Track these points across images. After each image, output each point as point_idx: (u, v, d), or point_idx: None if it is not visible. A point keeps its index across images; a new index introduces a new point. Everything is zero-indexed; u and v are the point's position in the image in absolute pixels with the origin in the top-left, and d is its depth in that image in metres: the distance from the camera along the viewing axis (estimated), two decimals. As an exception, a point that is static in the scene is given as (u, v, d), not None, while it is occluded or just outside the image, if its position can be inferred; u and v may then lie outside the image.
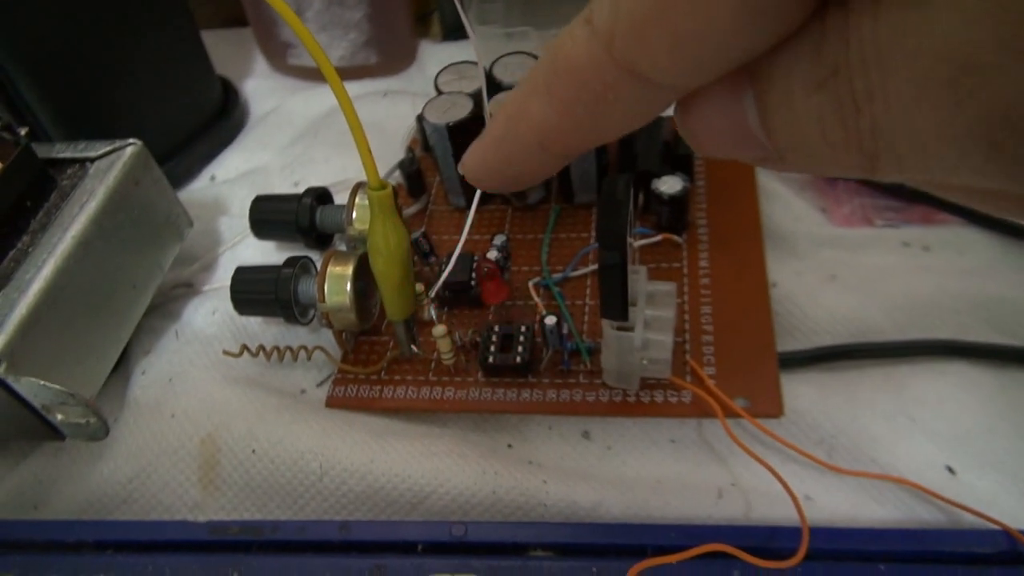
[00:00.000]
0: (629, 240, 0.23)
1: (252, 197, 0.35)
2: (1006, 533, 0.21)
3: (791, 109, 0.10)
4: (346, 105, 0.22)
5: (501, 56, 0.33)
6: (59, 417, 0.24)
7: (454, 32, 0.46)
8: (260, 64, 0.48)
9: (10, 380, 0.23)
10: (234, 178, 0.39)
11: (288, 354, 0.29)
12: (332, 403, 0.28)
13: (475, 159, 0.14)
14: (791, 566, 0.19)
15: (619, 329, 0.24)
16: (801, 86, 0.10)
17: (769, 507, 0.24)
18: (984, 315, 0.28)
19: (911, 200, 0.32)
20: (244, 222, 0.36)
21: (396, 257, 0.26)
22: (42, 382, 0.23)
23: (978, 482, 0.24)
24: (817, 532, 0.22)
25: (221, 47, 0.44)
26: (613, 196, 0.23)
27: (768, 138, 0.10)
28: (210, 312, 0.32)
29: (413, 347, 0.29)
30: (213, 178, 0.40)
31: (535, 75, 0.12)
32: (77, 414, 0.24)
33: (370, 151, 0.24)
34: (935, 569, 0.21)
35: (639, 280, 0.26)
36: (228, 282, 0.31)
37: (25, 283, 0.25)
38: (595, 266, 0.30)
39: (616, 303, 0.24)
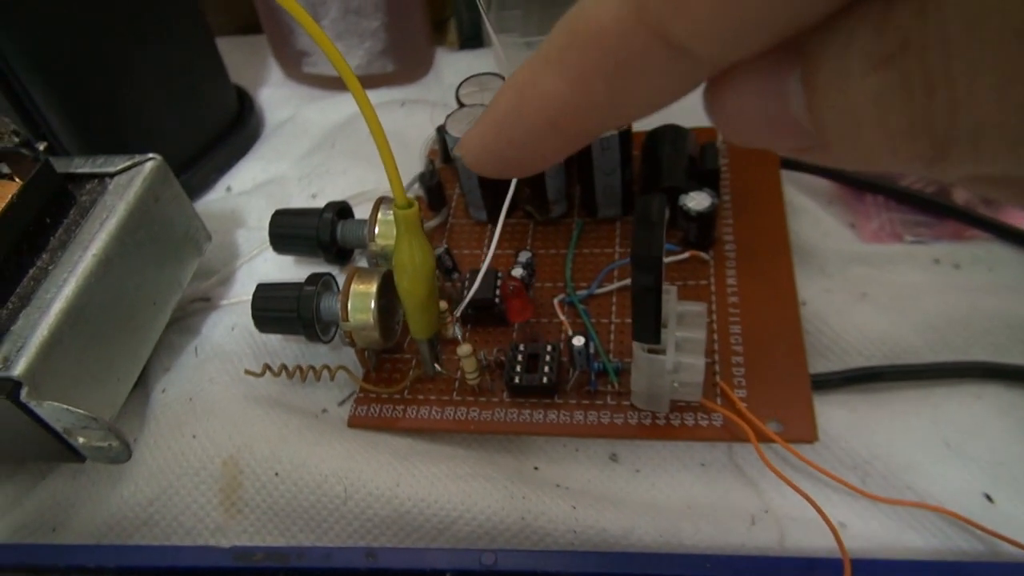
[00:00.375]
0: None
1: (269, 209, 0.35)
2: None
3: (844, 91, 0.09)
4: (373, 123, 0.22)
5: (523, 68, 0.33)
6: (80, 440, 0.24)
7: (471, 40, 0.45)
8: (275, 72, 0.47)
9: (32, 404, 0.22)
10: (250, 189, 0.39)
11: (311, 373, 0.28)
12: (355, 423, 0.28)
13: (476, 140, 0.12)
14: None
15: (650, 352, 0.24)
16: (860, 63, 0.08)
17: (804, 535, 0.24)
18: (1019, 335, 0.27)
19: (941, 215, 0.31)
20: (261, 234, 0.35)
21: (422, 275, 0.26)
22: (65, 406, 0.22)
23: (1016, 511, 0.23)
24: (858, 564, 0.21)
25: (235, 55, 0.44)
26: (648, 217, 0.22)
27: (813, 124, 0.09)
28: (229, 328, 0.31)
29: (436, 366, 0.28)
30: (229, 189, 0.40)
31: (549, 44, 0.11)
32: (99, 437, 0.24)
33: (396, 169, 0.24)
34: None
35: (669, 300, 0.25)
36: (246, 296, 0.31)
37: (46, 303, 0.24)
38: (620, 283, 0.30)
39: (649, 326, 0.23)
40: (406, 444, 0.27)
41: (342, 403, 0.29)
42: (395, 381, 0.29)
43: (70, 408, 0.22)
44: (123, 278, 0.27)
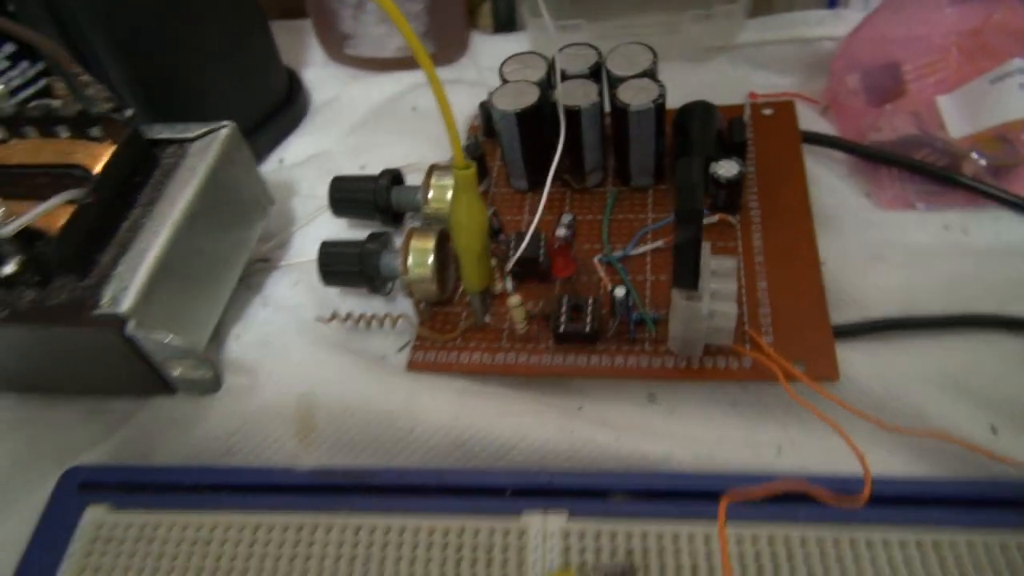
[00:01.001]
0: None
1: (320, 179, 0.37)
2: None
3: None
4: (439, 92, 0.25)
5: (564, 47, 0.35)
6: (176, 372, 0.27)
7: (507, 25, 0.48)
8: (318, 54, 0.50)
9: (139, 335, 0.25)
10: (302, 161, 0.42)
11: (374, 322, 0.31)
12: (413, 366, 0.30)
13: None
14: (858, 505, 0.21)
15: (689, 299, 0.27)
16: None
17: (826, 462, 0.26)
18: (1022, 292, 0.30)
19: (951, 186, 0.34)
20: (314, 202, 0.38)
21: (477, 231, 0.28)
22: (167, 337, 0.25)
23: (1018, 440, 0.26)
24: (880, 480, 0.24)
25: (280, 37, 0.47)
26: (690, 176, 0.25)
27: None
28: (292, 283, 0.34)
29: (487, 317, 0.31)
30: (281, 161, 0.42)
31: None
32: (192, 367, 0.26)
33: (457, 133, 0.26)
34: (987, 514, 0.23)
35: (704, 255, 0.28)
36: (304, 257, 0.34)
37: (143, 251, 0.27)
38: (653, 244, 0.33)
39: (689, 273, 0.26)
40: (461, 385, 0.30)
41: (400, 350, 0.32)
42: (449, 331, 0.31)
43: (173, 338, 0.25)
44: (204, 232, 0.30)
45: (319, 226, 0.38)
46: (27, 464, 0.29)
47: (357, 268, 0.31)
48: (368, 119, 0.44)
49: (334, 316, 0.31)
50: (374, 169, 0.36)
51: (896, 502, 0.23)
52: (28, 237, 0.26)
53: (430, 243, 0.30)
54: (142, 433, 0.29)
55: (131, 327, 0.25)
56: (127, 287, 0.26)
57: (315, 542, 0.24)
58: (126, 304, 0.25)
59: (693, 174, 0.25)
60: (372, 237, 0.32)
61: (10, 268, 0.25)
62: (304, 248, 0.36)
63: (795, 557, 0.22)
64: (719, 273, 0.28)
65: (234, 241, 0.32)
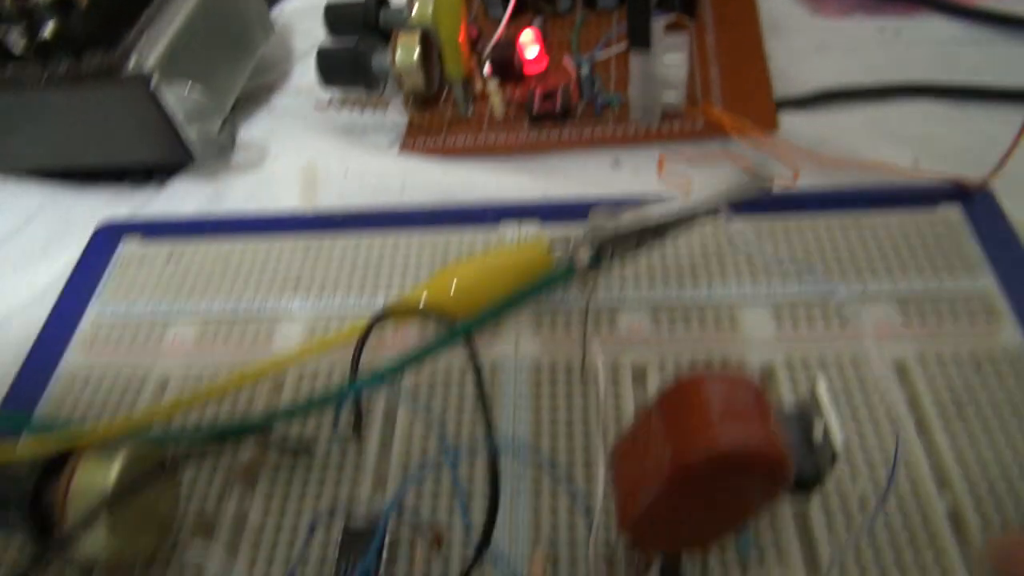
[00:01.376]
0: None
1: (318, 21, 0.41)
2: (957, 182, 0.27)
3: None
4: None
5: None
6: (194, 133, 0.30)
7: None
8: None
9: (163, 90, 0.29)
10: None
11: (369, 105, 0.35)
12: (405, 147, 0.34)
13: None
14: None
15: (644, 56, 0.30)
16: None
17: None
18: (947, 70, 0.34)
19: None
20: (309, 40, 0.42)
21: (455, 15, 0.32)
22: (188, 88, 0.29)
23: (937, 167, 0.29)
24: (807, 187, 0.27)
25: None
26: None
27: None
28: (295, 93, 0.38)
29: (469, 108, 0.35)
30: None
31: None
32: (211, 126, 0.30)
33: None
34: (901, 202, 0.26)
35: (658, 30, 0.31)
36: (305, 80, 0.37)
37: (166, 25, 0.31)
38: (618, 48, 0.36)
39: (642, 30, 0.29)
40: (447, 160, 0.33)
41: (393, 144, 0.35)
42: (436, 120, 0.35)
43: (192, 91, 0.29)
44: (218, 20, 0.34)
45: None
46: (62, 232, 0.33)
47: (352, 66, 0.35)
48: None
49: (331, 102, 0.34)
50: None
51: (824, 198, 0.27)
52: (61, 5, 0.29)
53: (415, 39, 0.34)
54: (164, 209, 0.33)
55: (155, 82, 0.29)
56: (151, 52, 0.30)
57: (320, 257, 0.28)
58: (150, 64, 0.29)
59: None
60: (363, 41, 0.35)
61: (48, 31, 0.29)
62: (305, 75, 0.40)
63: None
64: (671, 44, 0.32)
65: (246, 38, 0.36)
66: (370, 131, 0.36)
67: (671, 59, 0.31)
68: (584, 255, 0.20)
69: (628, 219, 0.20)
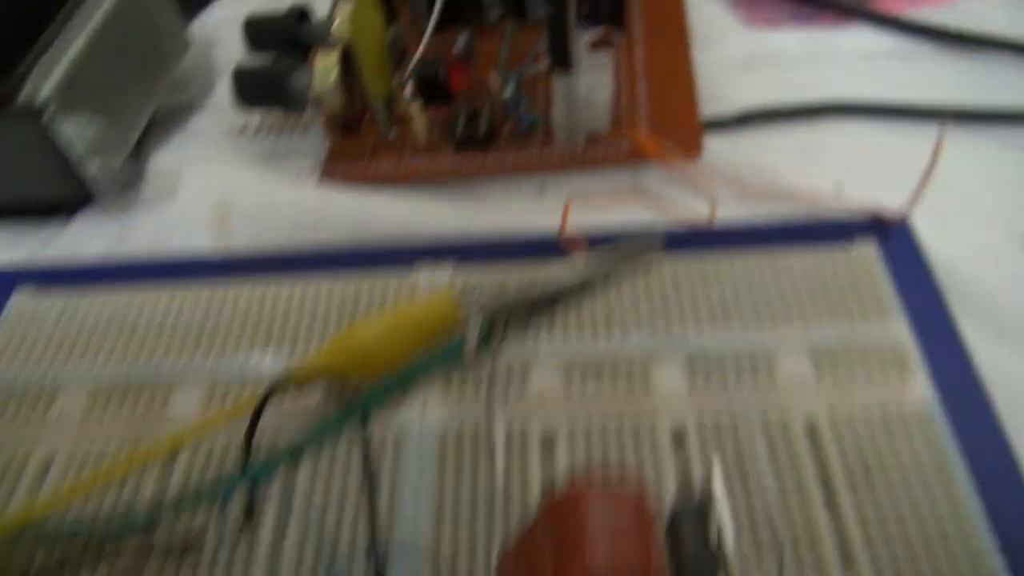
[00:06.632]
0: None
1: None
2: (874, 214, 0.27)
3: None
4: None
5: None
6: (94, 169, 0.29)
7: None
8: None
9: (57, 120, 0.27)
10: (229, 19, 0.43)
11: (286, 128, 0.33)
12: (326, 175, 0.33)
13: None
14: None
15: (566, 77, 0.29)
16: None
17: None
18: (877, 86, 0.33)
19: (820, 7, 0.37)
20: (234, 53, 0.40)
21: (376, 31, 0.31)
22: (85, 123, 0.27)
23: (862, 192, 0.29)
24: (724, 223, 0.27)
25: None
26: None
27: None
28: (213, 112, 0.36)
29: (392, 131, 0.34)
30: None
31: None
32: (114, 160, 0.28)
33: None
34: (817, 239, 0.26)
35: (581, 47, 0.30)
36: (225, 100, 0.35)
37: (62, 53, 0.29)
38: (542, 64, 0.35)
39: (563, 48, 0.28)
40: (369, 190, 0.32)
41: (313, 171, 0.34)
42: (358, 145, 0.34)
43: (90, 123, 0.27)
44: (122, 44, 0.32)
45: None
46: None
47: (269, 86, 0.33)
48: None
49: (246, 126, 0.33)
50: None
51: (740, 235, 0.27)
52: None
53: (333, 57, 0.33)
54: (66, 251, 0.31)
55: (49, 115, 0.27)
56: (47, 81, 0.28)
57: (224, 309, 0.26)
58: (44, 95, 0.27)
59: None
60: (281, 59, 0.34)
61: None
62: (227, 91, 0.38)
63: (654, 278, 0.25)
64: (596, 62, 0.31)
65: (155, 61, 0.34)
66: (291, 156, 0.34)
67: (595, 79, 0.30)
68: (473, 336, 0.20)
69: (520, 290, 0.20)
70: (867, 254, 0.25)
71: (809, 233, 0.27)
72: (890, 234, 0.26)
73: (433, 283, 0.26)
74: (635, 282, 0.25)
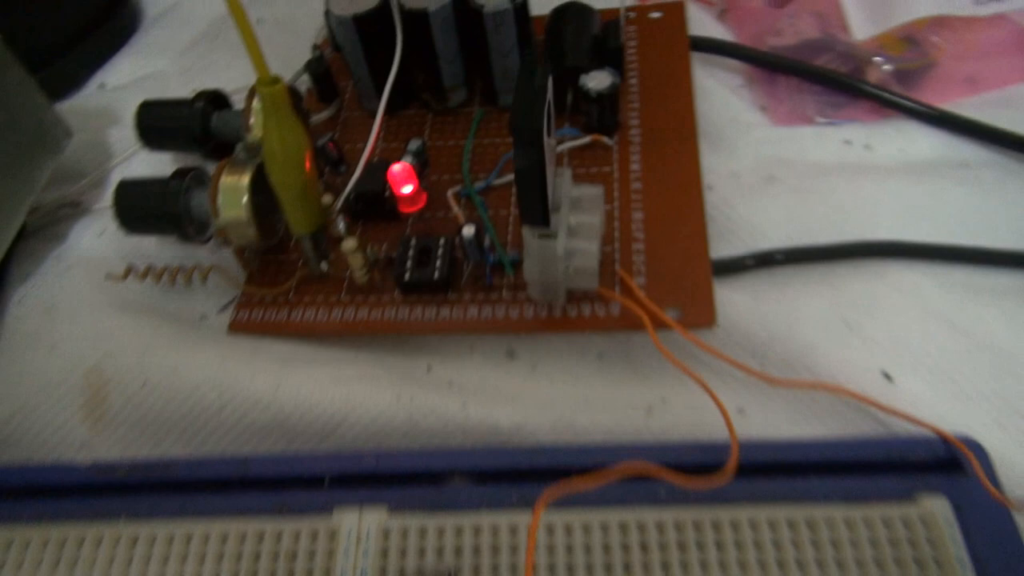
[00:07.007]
0: (548, 138, 0.21)
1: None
2: (942, 439, 0.20)
3: None
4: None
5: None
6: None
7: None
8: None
9: None
10: (126, 84, 0.36)
11: (180, 277, 0.26)
12: (235, 327, 0.26)
13: None
14: (719, 485, 0.18)
15: (541, 237, 0.22)
16: None
17: (700, 422, 0.23)
18: (924, 213, 0.27)
19: (854, 95, 0.30)
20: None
21: (294, 161, 0.24)
22: None
23: (915, 387, 0.23)
24: (748, 446, 0.20)
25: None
26: (529, 83, 0.20)
27: None
28: (97, 234, 0.29)
29: (323, 265, 0.27)
30: (103, 86, 0.36)
31: None
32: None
33: (255, 39, 0.21)
34: (870, 480, 0.20)
35: (563, 183, 0.23)
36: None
37: None
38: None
39: (535, 207, 0.21)
40: (289, 349, 0.25)
41: (222, 309, 0.27)
42: (280, 283, 0.27)
43: None
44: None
45: (142, 162, 0.32)
46: None
47: (160, 210, 0.26)
48: (208, 34, 0.37)
49: (129, 272, 0.26)
50: (209, 92, 0.31)
51: (768, 471, 0.20)
52: None
53: (244, 178, 0.25)
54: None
55: None
56: None
57: (82, 559, 0.20)
58: None
59: (535, 79, 0.20)
60: (180, 173, 0.26)
61: None
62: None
63: (650, 545, 0.19)
64: (582, 204, 0.24)
65: (14, 182, 0.27)
66: (190, 299, 0.27)
67: (581, 221, 0.23)
68: None
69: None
70: (934, 510, 0.19)
71: (855, 468, 0.20)
72: (962, 468, 0.20)
73: (360, 532, 0.20)
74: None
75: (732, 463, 0.19)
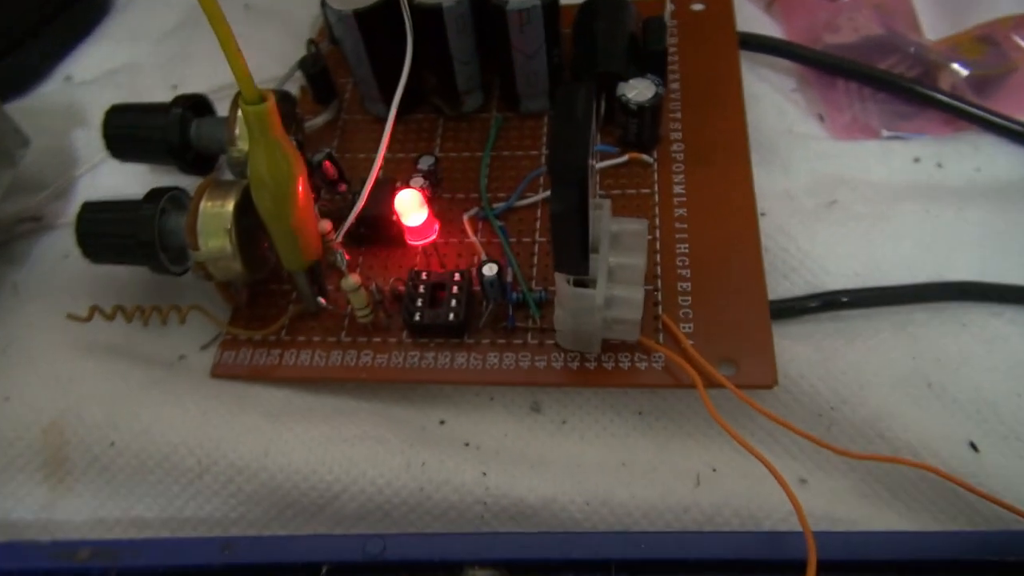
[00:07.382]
0: (591, 172, 0.17)
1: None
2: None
3: None
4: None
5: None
6: None
7: None
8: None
9: None
10: (96, 78, 0.32)
11: (155, 316, 0.22)
12: (219, 372, 0.23)
13: None
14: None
15: (576, 284, 0.19)
16: None
17: (757, 495, 0.20)
18: (1008, 244, 0.23)
19: (923, 105, 0.26)
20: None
21: (285, 191, 0.20)
22: None
23: (1006, 462, 0.20)
24: (824, 538, 0.17)
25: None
26: (571, 113, 0.17)
27: None
28: (61, 257, 0.25)
29: (320, 300, 0.23)
30: (68, 79, 0.32)
31: None
32: None
33: (236, 47, 0.18)
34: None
35: (602, 217, 0.20)
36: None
37: None
38: (547, 192, 0.25)
39: (573, 253, 0.18)
40: (281, 399, 0.22)
41: (205, 347, 0.23)
42: (271, 320, 0.23)
43: None
44: None
45: (112, 171, 0.28)
46: None
47: (132, 239, 0.22)
48: (188, 20, 0.33)
49: (94, 312, 0.22)
50: (190, 89, 0.27)
51: (845, 570, 0.17)
52: None
53: (228, 204, 0.22)
54: None
55: None
56: None
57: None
58: None
59: (577, 108, 0.17)
60: (154, 194, 0.23)
61: None
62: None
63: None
64: (623, 242, 0.20)
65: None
66: (167, 336, 0.24)
67: (620, 289, 0.20)
68: None
69: None
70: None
71: (948, 568, 0.17)
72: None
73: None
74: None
75: (811, 569, 0.16)
